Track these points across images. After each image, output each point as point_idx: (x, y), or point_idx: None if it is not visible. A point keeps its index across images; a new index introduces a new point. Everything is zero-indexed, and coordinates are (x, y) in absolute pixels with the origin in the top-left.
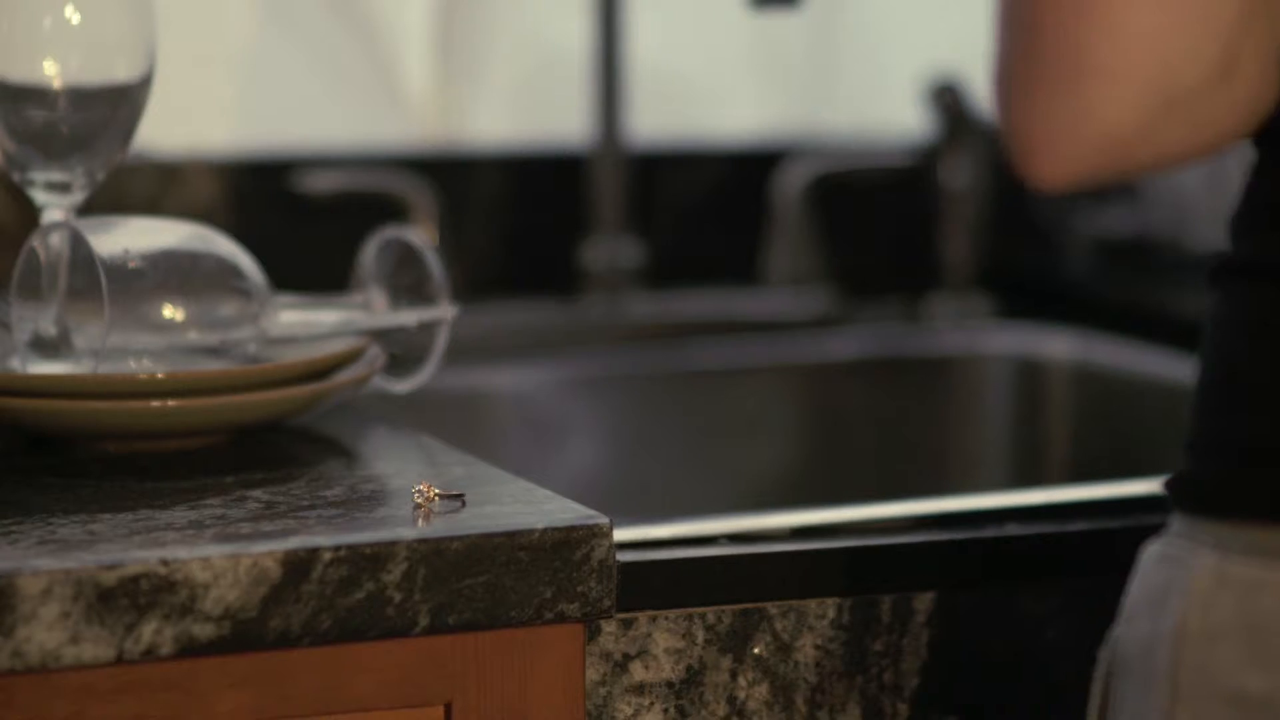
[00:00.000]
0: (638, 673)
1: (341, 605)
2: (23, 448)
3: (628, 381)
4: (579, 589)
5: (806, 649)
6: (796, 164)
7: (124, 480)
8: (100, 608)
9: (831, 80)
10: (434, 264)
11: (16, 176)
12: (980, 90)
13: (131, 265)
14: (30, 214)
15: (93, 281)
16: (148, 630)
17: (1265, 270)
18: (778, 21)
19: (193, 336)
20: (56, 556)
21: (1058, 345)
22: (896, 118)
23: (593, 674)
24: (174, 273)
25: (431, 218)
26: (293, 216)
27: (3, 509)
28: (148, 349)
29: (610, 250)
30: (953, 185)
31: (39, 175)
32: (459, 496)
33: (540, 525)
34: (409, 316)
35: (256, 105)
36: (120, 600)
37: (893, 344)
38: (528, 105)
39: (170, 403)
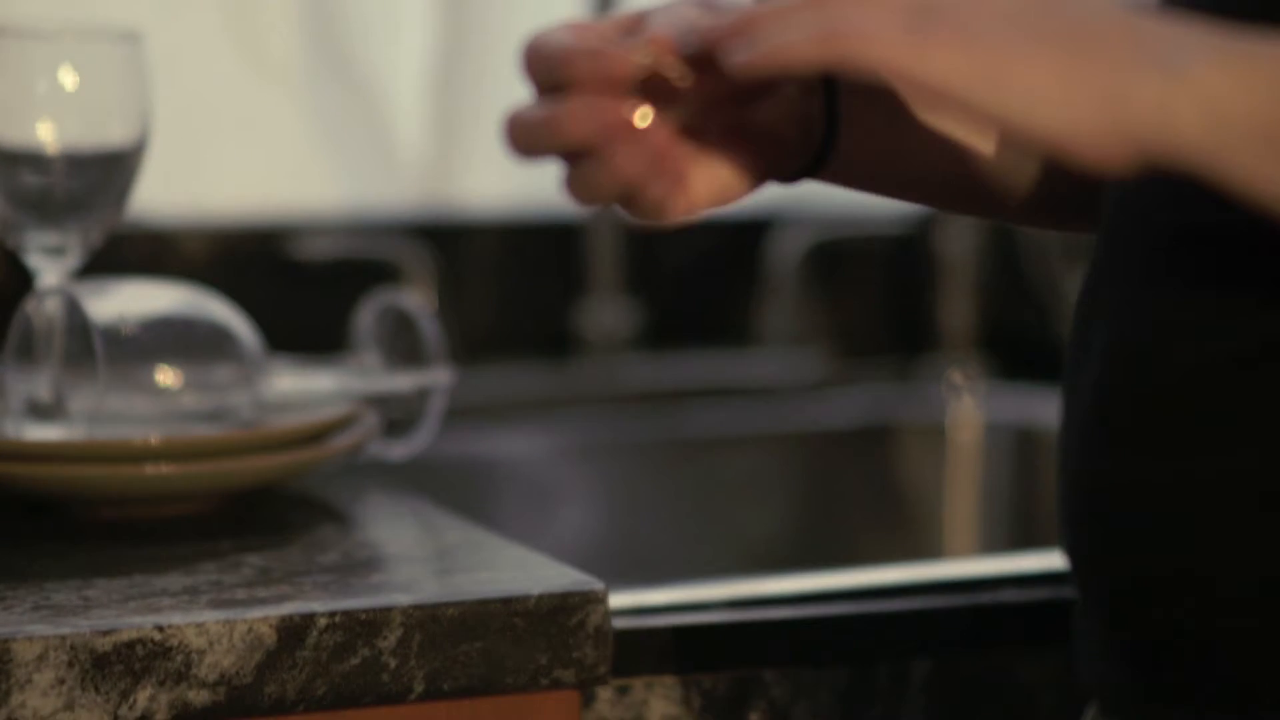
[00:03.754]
0: None
1: (336, 671)
2: (18, 512)
3: (624, 447)
4: (575, 655)
5: (803, 716)
6: (792, 232)
7: (119, 545)
8: (95, 674)
9: None
10: (429, 329)
11: (11, 241)
12: None
13: (126, 330)
14: (26, 276)
15: (87, 346)
16: (143, 696)
17: None
18: None
19: (187, 401)
20: (51, 622)
21: (1054, 410)
22: None
23: None
24: (168, 337)
25: (427, 281)
26: (288, 281)
27: None
28: (142, 414)
29: (606, 313)
30: (948, 252)
31: (33, 239)
32: None
33: (536, 591)
34: (404, 382)
35: (251, 167)
36: (115, 666)
37: (888, 410)
38: (523, 167)
39: (164, 468)
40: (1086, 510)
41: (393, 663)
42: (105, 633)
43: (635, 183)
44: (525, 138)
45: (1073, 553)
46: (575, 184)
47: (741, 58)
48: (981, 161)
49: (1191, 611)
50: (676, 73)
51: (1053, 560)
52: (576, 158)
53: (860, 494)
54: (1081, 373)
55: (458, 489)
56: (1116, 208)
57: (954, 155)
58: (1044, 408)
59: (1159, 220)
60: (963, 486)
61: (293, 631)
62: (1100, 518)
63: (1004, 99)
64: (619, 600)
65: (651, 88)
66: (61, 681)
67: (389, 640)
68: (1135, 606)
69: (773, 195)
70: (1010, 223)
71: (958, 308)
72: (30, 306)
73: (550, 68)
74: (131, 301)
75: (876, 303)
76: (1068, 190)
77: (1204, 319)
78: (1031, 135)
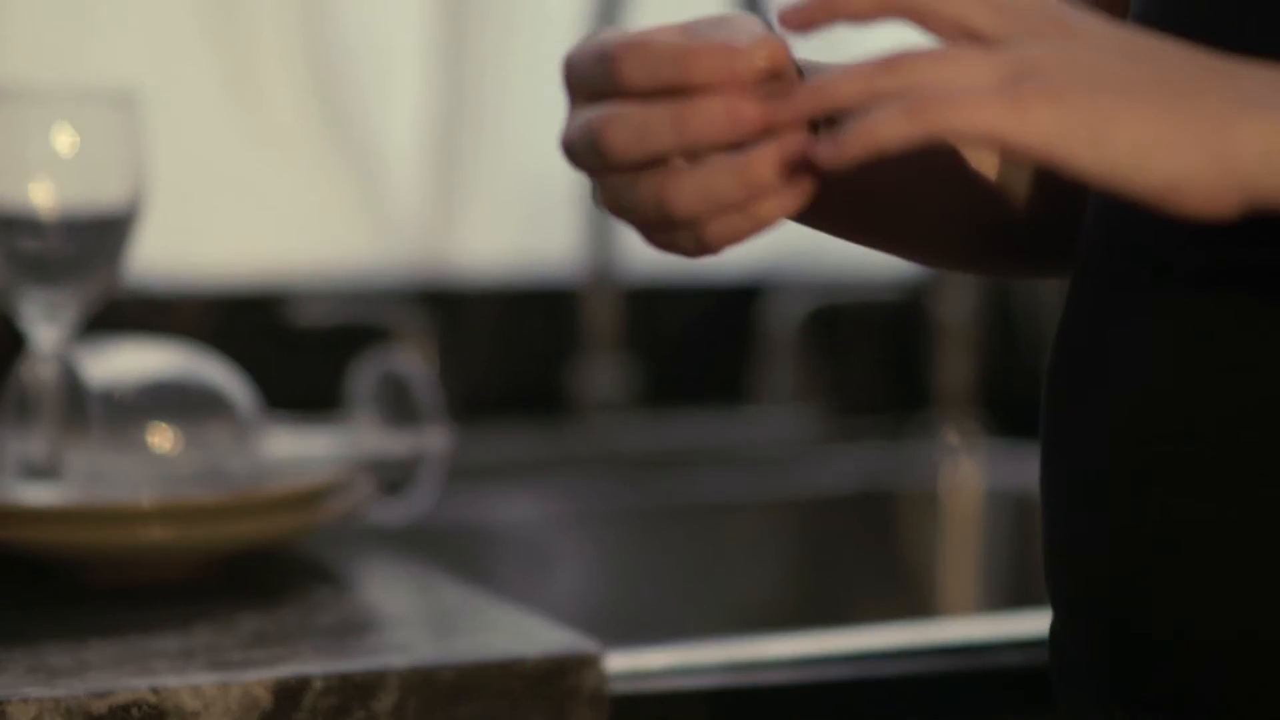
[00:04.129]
0: None
1: None
2: (13, 573)
3: (622, 511)
4: (571, 718)
5: None
6: (789, 296)
7: (114, 607)
8: None
9: None
10: (425, 392)
11: (6, 302)
12: None
13: (121, 392)
14: (21, 338)
15: (83, 408)
16: None
17: None
18: None
19: (183, 463)
20: (47, 684)
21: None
22: None
23: None
24: (164, 399)
25: (423, 342)
26: (285, 343)
27: None
28: (138, 476)
29: (603, 374)
30: (944, 314)
31: (29, 301)
32: None
33: (532, 654)
34: (400, 444)
35: (248, 228)
36: None
37: (886, 472)
38: (521, 226)
39: (159, 532)
40: (1115, 560)
41: None
42: (101, 695)
43: (762, 189)
44: (634, 139)
45: (1081, 604)
46: (674, 191)
47: (831, 154)
48: (976, 192)
49: (1239, 669)
50: (791, 79)
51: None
52: (657, 165)
53: (858, 557)
54: (1083, 418)
55: (454, 551)
56: (1106, 249)
57: (948, 190)
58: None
59: (1180, 259)
60: (960, 549)
61: (288, 694)
62: (1135, 567)
63: (1110, 154)
64: (616, 663)
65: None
66: None
67: (385, 703)
68: (1180, 664)
69: (770, 257)
70: (977, 267)
71: (954, 369)
72: (26, 369)
73: (660, 64)
74: (127, 363)
75: (874, 365)
76: (1051, 226)
77: (1238, 358)
78: (1140, 188)
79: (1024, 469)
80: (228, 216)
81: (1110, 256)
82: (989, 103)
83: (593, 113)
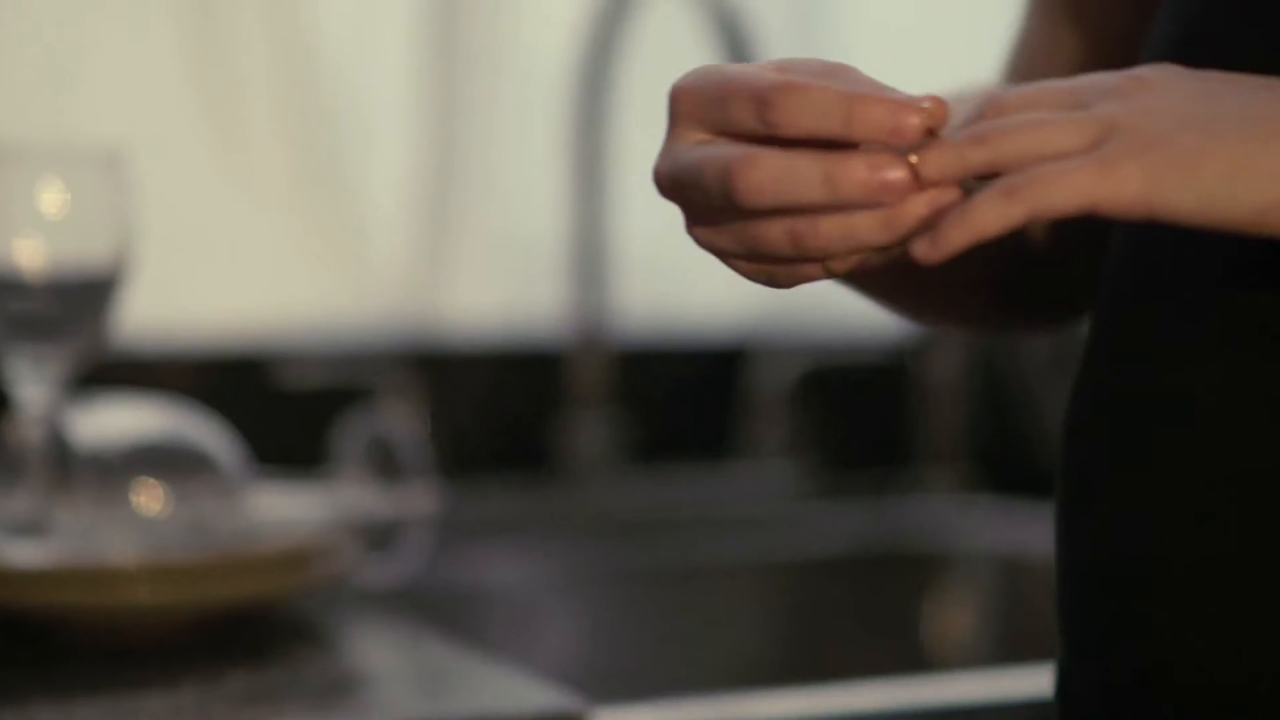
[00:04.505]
0: None
1: None
2: (1, 633)
3: (611, 571)
4: None
5: None
6: (777, 358)
7: (102, 666)
8: None
9: None
10: (411, 452)
11: None
12: None
13: (108, 451)
14: (8, 397)
15: (70, 467)
16: None
17: None
18: None
19: (170, 523)
20: None
21: (1040, 529)
22: None
23: None
24: (151, 458)
25: (411, 401)
26: (273, 403)
27: None
28: (125, 536)
29: (593, 433)
30: (934, 375)
31: (16, 361)
32: None
33: (521, 712)
34: (387, 505)
35: (235, 287)
36: None
37: (876, 531)
38: (508, 283)
39: (146, 592)
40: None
41: None
42: None
43: (907, 234)
44: (775, 185)
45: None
46: (813, 233)
47: (928, 251)
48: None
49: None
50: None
51: (1041, 682)
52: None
53: (848, 617)
54: (1141, 467)
55: (443, 610)
56: (1164, 306)
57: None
58: (1031, 527)
59: (1244, 315)
60: (951, 608)
61: None
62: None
63: (1202, 190)
64: (604, 719)
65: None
66: None
67: None
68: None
69: (758, 317)
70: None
71: (943, 429)
72: (13, 428)
73: (823, 116)
74: (114, 422)
75: (863, 425)
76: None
77: None
78: (1237, 217)
79: (1014, 526)
80: (215, 275)
81: (1180, 317)
82: (1081, 171)
83: (721, 150)
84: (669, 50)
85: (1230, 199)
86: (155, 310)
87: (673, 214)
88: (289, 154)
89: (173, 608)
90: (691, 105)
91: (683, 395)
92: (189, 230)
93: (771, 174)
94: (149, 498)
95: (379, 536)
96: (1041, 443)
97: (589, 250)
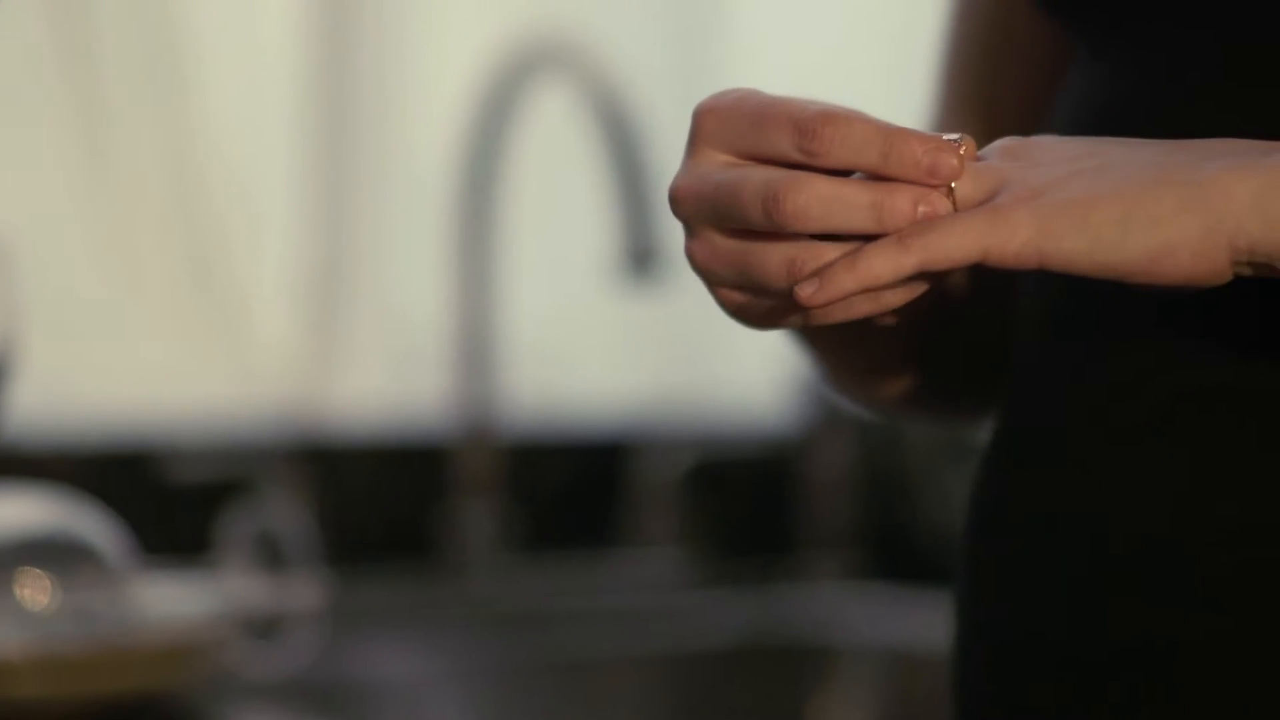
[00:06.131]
0: None
1: None
2: None
3: (499, 665)
4: None
5: None
6: (666, 451)
7: None
8: None
9: (699, 351)
10: (296, 544)
11: None
12: None
13: None
14: None
15: None
16: None
17: None
18: (644, 289)
19: (55, 615)
20: None
21: (931, 616)
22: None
23: None
24: (37, 550)
25: (297, 493)
26: (158, 496)
27: None
28: (9, 628)
29: (479, 526)
30: (821, 470)
31: None
32: None
33: None
34: (272, 596)
35: (122, 378)
36: None
37: (764, 622)
38: (395, 373)
39: (31, 686)
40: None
41: None
42: None
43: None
44: (819, 209)
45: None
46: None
47: (813, 295)
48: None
49: None
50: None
51: None
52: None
53: (737, 711)
54: (1041, 554)
55: (330, 702)
56: (1055, 382)
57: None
58: (921, 615)
59: (1148, 384)
60: (838, 700)
61: None
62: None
63: (1092, 236)
64: None
65: None
66: None
67: None
68: None
69: (643, 410)
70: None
71: (830, 520)
72: None
73: (864, 149)
74: None
75: (751, 517)
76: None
77: (1221, 484)
78: (1127, 263)
79: (904, 613)
80: (101, 367)
81: (1071, 392)
82: (972, 219)
83: (763, 171)
84: (554, 135)
85: (1122, 243)
86: (40, 402)
87: (562, 299)
88: (175, 244)
89: (59, 700)
90: (719, 127)
91: (570, 486)
92: (74, 321)
93: (820, 198)
94: (35, 590)
95: (265, 628)
96: (925, 531)
97: (476, 339)
